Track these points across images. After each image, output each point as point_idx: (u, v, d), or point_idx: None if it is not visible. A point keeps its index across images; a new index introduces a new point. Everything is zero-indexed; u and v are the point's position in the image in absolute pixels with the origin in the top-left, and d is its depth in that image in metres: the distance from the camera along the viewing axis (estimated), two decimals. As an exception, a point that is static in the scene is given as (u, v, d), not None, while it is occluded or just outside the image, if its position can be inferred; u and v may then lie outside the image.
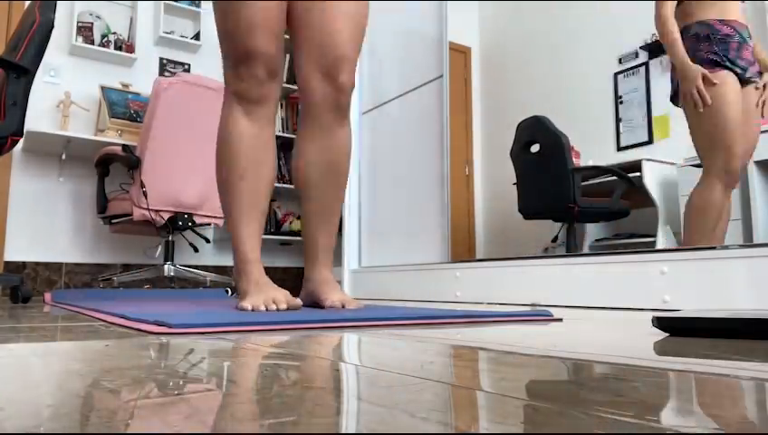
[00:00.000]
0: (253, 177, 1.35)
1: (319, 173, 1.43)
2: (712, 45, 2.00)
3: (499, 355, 0.63)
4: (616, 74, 3.34)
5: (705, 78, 1.96)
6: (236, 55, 1.33)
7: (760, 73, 1.99)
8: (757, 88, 1.99)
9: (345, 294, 1.40)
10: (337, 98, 1.38)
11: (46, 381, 0.46)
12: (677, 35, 2.05)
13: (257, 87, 1.34)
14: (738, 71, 1.99)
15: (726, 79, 1.97)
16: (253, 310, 1.17)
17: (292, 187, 4.18)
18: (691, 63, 1.99)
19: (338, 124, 1.42)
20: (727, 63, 1.98)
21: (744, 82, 2.00)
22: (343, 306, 1.33)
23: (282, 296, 1.23)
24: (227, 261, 4.03)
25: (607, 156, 3.06)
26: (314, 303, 1.41)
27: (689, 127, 2.05)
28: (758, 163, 2.25)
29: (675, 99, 2.16)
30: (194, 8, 3.91)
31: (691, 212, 2.03)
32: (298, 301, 1.24)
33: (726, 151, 1.94)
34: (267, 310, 1.17)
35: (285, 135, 4.25)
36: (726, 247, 1.62)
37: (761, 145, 2.26)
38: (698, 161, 2.35)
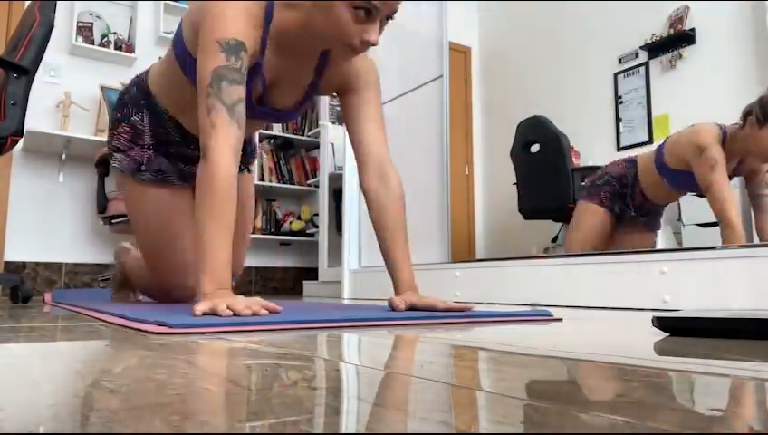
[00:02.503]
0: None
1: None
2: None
3: (499, 355, 0.63)
4: (616, 74, 3.34)
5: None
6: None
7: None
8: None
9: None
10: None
11: (46, 381, 0.46)
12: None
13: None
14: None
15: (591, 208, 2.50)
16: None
17: (291, 187, 4.18)
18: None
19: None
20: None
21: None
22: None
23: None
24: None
25: (607, 156, 3.06)
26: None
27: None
28: (758, 163, 2.24)
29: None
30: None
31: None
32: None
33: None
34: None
35: (285, 135, 4.25)
36: (726, 247, 1.62)
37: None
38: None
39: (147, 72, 1.53)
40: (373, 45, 1.17)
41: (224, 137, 1.11)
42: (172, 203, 1.55)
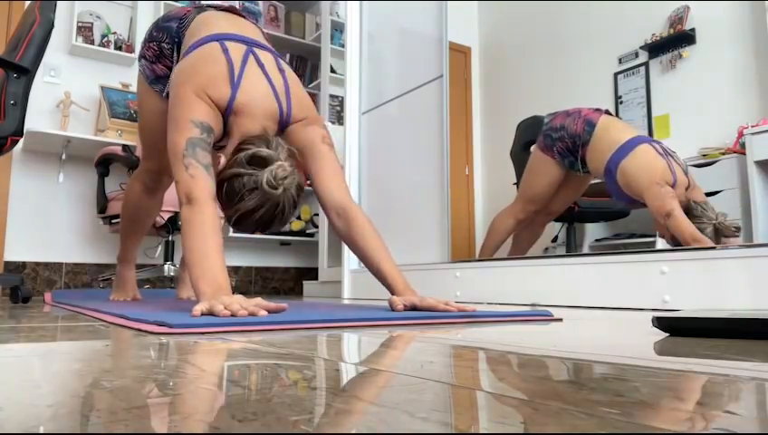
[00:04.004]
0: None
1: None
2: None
3: (499, 355, 0.63)
4: (616, 74, 3.34)
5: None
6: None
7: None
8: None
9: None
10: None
11: (46, 381, 0.46)
12: None
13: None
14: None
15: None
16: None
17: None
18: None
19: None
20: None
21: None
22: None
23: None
24: (228, 261, 4.03)
25: (607, 156, 3.05)
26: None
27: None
28: (758, 163, 2.25)
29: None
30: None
31: (490, 226, 2.85)
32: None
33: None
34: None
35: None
36: (726, 247, 1.62)
37: (761, 145, 2.27)
38: (700, 161, 2.39)
39: (191, 20, 1.61)
40: None
41: (204, 186, 1.28)
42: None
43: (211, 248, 1.19)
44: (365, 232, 1.47)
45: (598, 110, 2.60)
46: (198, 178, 1.27)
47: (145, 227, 2.08)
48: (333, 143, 1.57)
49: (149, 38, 1.70)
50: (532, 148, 2.73)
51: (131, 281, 2.13)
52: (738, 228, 2.16)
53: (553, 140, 2.59)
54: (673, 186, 2.24)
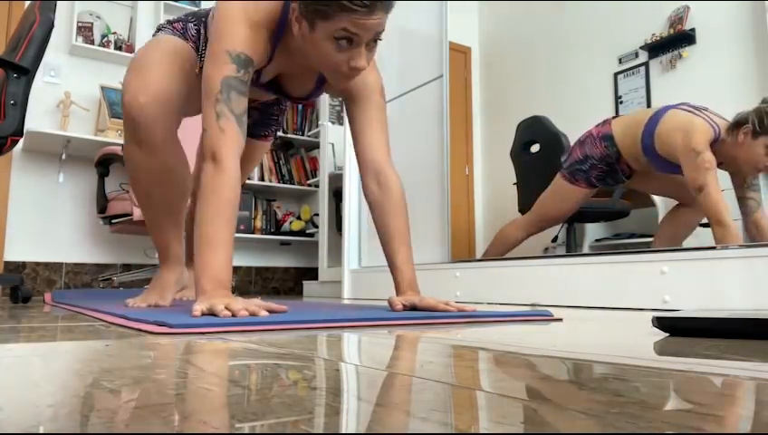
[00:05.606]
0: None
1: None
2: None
3: (499, 355, 0.63)
4: (616, 74, 3.34)
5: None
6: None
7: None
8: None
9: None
10: None
11: (46, 381, 0.46)
12: None
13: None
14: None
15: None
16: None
17: (291, 187, 4.18)
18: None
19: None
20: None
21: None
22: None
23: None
24: (227, 261, 4.03)
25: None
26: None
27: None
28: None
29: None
30: (194, 8, 3.90)
31: (497, 234, 2.76)
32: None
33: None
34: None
35: (285, 135, 4.25)
36: (726, 247, 1.62)
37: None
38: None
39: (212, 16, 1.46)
40: (362, 70, 1.21)
41: (232, 145, 1.18)
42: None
43: (222, 240, 1.12)
44: (395, 215, 1.40)
45: (603, 121, 2.46)
46: (228, 133, 1.17)
47: (176, 195, 1.51)
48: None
49: (174, 20, 1.53)
50: (556, 177, 2.56)
51: (170, 286, 1.59)
52: None
53: (586, 172, 2.44)
54: (717, 140, 2.06)
